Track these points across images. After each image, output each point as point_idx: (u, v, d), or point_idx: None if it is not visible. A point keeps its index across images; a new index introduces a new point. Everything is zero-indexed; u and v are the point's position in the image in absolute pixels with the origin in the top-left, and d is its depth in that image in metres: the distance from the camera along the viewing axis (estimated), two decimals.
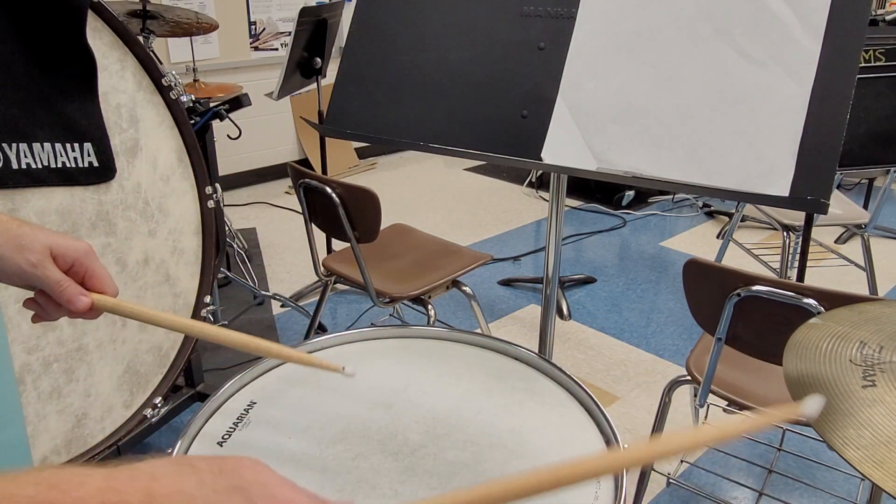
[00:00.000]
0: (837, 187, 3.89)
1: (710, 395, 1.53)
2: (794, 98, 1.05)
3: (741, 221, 3.33)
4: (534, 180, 4.54)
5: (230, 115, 2.45)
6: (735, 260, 3.20)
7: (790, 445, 2.12)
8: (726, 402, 1.53)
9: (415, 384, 0.98)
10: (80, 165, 1.35)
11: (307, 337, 2.50)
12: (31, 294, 0.77)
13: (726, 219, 3.95)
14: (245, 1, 4.26)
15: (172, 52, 3.96)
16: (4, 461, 0.68)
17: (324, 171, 3.05)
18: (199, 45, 3.99)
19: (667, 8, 1.15)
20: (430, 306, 2.08)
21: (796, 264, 2.27)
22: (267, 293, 3.01)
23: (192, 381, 2.06)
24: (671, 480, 1.95)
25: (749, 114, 1.08)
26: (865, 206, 3.74)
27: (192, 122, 2.21)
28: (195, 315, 1.66)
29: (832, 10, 1.04)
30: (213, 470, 0.46)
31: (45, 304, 0.76)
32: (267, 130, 4.54)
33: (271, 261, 3.44)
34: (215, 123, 2.46)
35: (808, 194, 1.03)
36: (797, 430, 2.12)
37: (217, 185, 1.67)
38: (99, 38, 1.40)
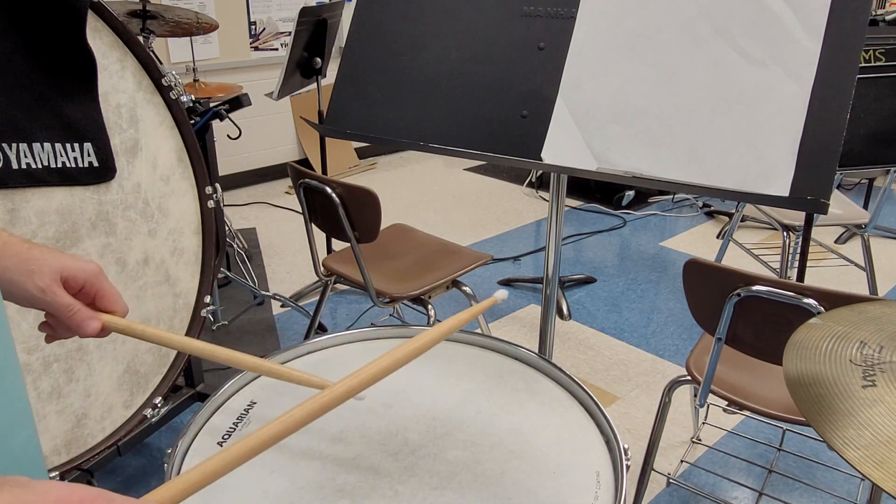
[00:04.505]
0: (837, 187, 3.89)
1: (710, 395, 1.53)
2: (794, 98, 1.05)
3: (741, 221, 3.33)
4: (534, 180, 4.54)
5: (230, 115, 2.46)
6: (735, 260, 3.21)
7: (790, 445, 2.12)
8: (726, 402, 1.53)
9: (415, 384, 0.98)
10: (80, 165, 1.35)
11: (307, 337, 2.49)
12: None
13: (726, 219, 3.95)
14: (245, 1, 4.26)
15: (172, 52, 3.96)
16: (18, 464, 0.67)
17: (324, 171, 3.05)
18: (199, 45, 3.99)
19: (667, 8, 1.15)
20: (430, 306, 2.08)
21: (796, 264, 2.27)
22: (267, 293, 3.01)
23: (192, 381, 2.06)
24: (671, 480, 1.95)
25: (749, 114, 1.08)
26: (865, 206, 3.74)
27: (192, 122, 2.21)
28: (195, 315, 1.66)
29: (832, 10, 1.04)
30: None
31: (57, 326, 0.78)
32: (267, 130, 4.54)
33: (271, 261, 3.44)
34: (215, 123, 2.46)
35: (808, 194, 1.03)
36: (797, 431, 2.12)
37: (217, 185, 1.67)
38: (99, 38, 1.40)
